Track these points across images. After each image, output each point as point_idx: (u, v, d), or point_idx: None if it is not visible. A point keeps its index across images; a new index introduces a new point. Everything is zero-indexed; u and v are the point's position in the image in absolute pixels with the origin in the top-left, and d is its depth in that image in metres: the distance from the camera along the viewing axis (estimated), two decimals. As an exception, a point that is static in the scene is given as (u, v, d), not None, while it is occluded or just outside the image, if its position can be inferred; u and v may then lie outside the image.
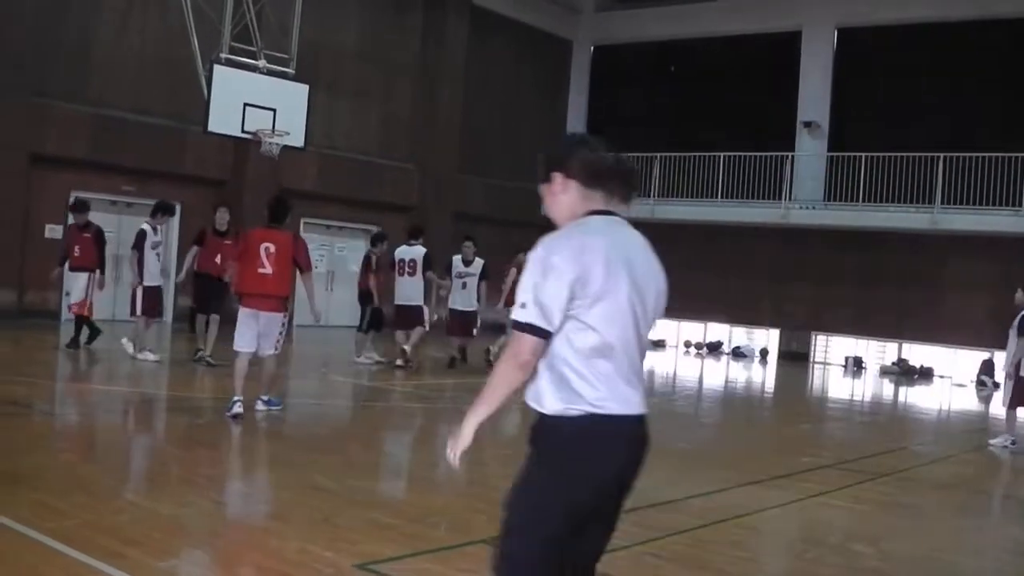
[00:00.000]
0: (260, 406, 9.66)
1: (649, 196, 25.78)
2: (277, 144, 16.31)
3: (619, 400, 3.05)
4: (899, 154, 22.49)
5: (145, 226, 13.24)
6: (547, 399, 3.04)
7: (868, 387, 20.57)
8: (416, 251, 14.83)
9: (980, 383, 21.31)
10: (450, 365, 15.37)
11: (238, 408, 9.24)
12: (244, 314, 9.51)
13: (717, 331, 26.25)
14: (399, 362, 14.69)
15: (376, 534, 5.66)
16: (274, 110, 16.11)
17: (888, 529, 6.96)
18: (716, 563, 5.72)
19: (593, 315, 3.01)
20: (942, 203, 21.94)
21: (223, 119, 15.70)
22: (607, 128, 28.36)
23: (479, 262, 15.34)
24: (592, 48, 29.32)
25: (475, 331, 15.67)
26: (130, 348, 13.19)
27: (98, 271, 13.73)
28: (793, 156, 24.68)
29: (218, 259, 13.13)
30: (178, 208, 17.94)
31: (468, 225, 20.51)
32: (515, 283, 17.22)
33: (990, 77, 23.16)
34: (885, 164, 22.77)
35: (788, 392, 19.34)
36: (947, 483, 9.30)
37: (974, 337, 21.98)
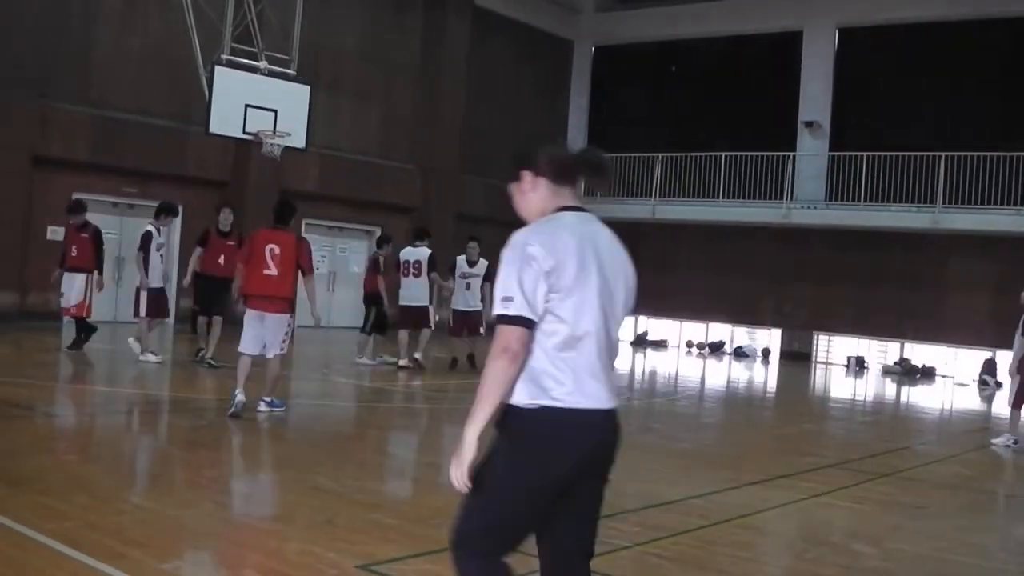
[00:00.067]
0: (262, 407, 9.66)
1: (650, 196, 25.79)
2: (279, 145, 16.32)
3: (585, 394, 3.09)
4: (900, 154, 22.49)
5: (150, 227, 13.22)
6: (515, 390, 3.07)
7: (870, 387, 20.55)
8: (421, 252, 14.90)
9: (982, 382, 21.29)
10: (452, 366, 15.39)
11: (240, 396, 9.31)
12: (249, 316, 9.58)
13: (719, 331, 26.24)
14: (401, 362, 14.76)
15: (378, 535, 5.66)
16: (275, 111, 16.13)
17: (890, 529, 6.95)
18: (718, 563, 5.71)
19: (565, 308, 3.05)
20: (943, 203, 21.93)
21: (224, 120, 15.72)
22: (608, 128, 28.42)
23: (483, 263, 15.36)
24: (593, 48, 29.34)
25: (482, 330, 15.67)
26: (137, 348, 13.18)
27: (96, 272, 13.67)
28: (794, 156, 24.67)
29: (221, 260, 13.13)
30: (180, 209, 17.95)
31: (469, 225, 20.50)
32: None
33: (991, 76, 23.16)
34: (886, 164, 22.76)
35: (790, 392, 19.33)
36: (949, 483, 9.29)
37: (976, 336, 21.98)
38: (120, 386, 11.97)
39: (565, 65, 29.28)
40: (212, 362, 12.86)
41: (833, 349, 24.89)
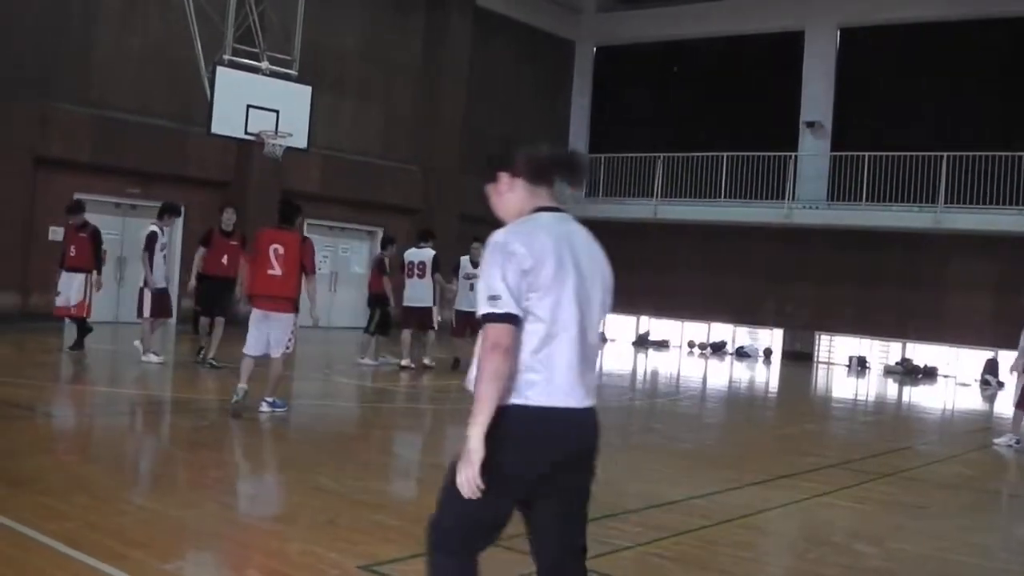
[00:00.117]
0: (264, 408, 9.66)
1: (652, 196, 25.80)
2: (280, 145, 16.33)
3: (561, 393, 3.11)
4: (902, 154, 22.49)
5: (154, 228, 13.21)
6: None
7: (872, 387, 20.55)
8: (425, 253, 14.95)
9: (984, 382, 21.28)
10: (454, 366, 15.38)
11: (242, 386, 9.40)
12: (254, 316, 9.65)
13: (720, 331, 26.23)
14: (403, 362, 14.79)
15: (380, 535, 5.66)
16: (277, 111, 16.14)
17: (892, 529, 6.95)
18: (720, 563, 5.71)
19: (542, 307, 3.08)
20: (945, 202, 21.92)
21: (226, 121, 15.73)
22: (610, 128, 28.47)
23: None
24: (594, 48, 29.34)
25: None
26: (142, 349, 13.18)
27: (95, 272, 13.67)
28: (796, 156, 24.67)
29: (224, 260, 13.14)
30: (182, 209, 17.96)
31: (470, 225, 20.46)
32: None
33: (993, 76, 23.15)
34: (888, 164, 22.75)
35: (792, 392, 19.33)
36: (951, 483, 9.28)
37: (977, 336, 21.97)
38: (121, 387, 11.97)
39: (567, 65, 29.28)
40: (214, 363, 12.86)
41: (835, 349, 24.87)
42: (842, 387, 20.21)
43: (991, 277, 22.14)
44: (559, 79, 28.93)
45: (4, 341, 14.56)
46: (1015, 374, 12.44)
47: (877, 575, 5.82)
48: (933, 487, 8.97)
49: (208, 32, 16.22)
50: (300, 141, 16.69)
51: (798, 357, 24.70)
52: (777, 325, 25.32)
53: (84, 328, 13.70)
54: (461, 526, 3.16)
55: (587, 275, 3.20)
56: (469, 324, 15.46)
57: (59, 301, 13.71)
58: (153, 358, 13.02)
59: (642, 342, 26.69)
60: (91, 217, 14.31)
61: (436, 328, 15.19)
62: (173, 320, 16.29)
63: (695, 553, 5.85)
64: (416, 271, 14.91)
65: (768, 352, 25.25)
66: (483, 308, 3.06)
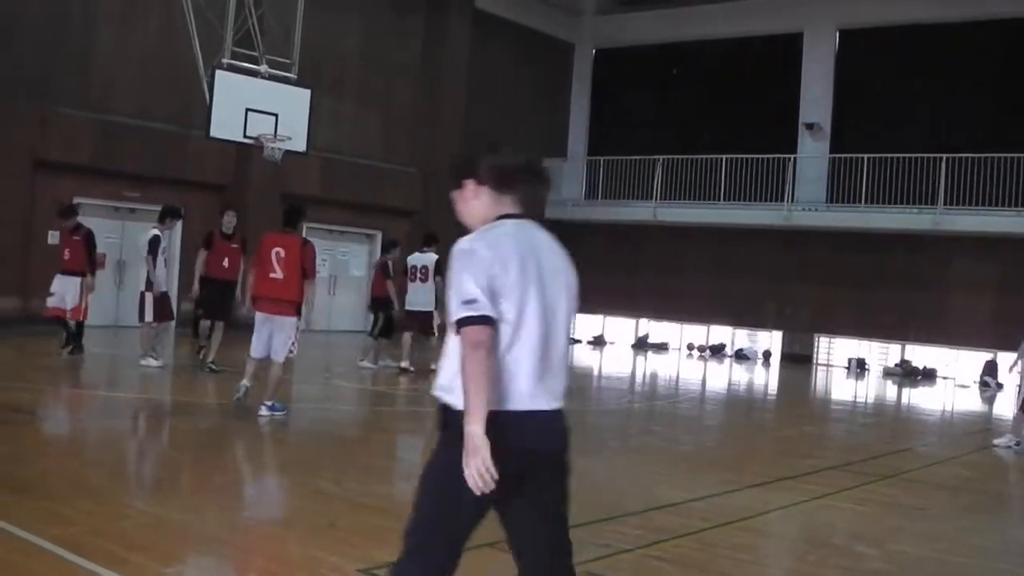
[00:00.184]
0: (264, 411, 9.67)
1: (651, 199, 25.81)
2: (279, 149, 16.34)
3: (525, 397, 3.14)
4: (901, 155, 22.49)
5: (156, 231, 13.21)
6: (457, 396, 3.10)
7: (871, 389, 20.56)
8: (428, 258, 14.98)
9: (983, 384, 21.29)
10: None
11: (244, 383, 9.55)
12: (257, 319, 9.76)
13: (720, 333, 26.22)
14: (403, 364, 14.81)
15: (380, 538, 5.66)
16: (276, 115, 16.15)
17: (892, 531, 6.96)
18: (720, 566, 5.72)
19: (507, 313, 3.11)
20: (944, 204, 21.93)
21: (225, 124, 15.74)
22: (609, 131, 28.48)
23: None
24: (594, 51, 29.36)
25: None
26: (154, 359, 13.13)
27: (88, 274, 13.67)
28: (795, 158, 24.68)
29: (225, 263, 13.15)
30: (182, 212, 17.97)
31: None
32: None
33: (992, 77, 23.17)
34: (887, 165, 22.77)
35: (791, 394, 19.34)
36: (951, 484, 9.30)
37: (977, 338, 21.97)
38: (122, 390, 11.98)
39: (566, 68, 29.31)
40: (213, 367, 12.85)
41: (834, 351, 24.87)
42: (841, 389, 20.22)
43: (991, 278, 22.15)
44: (558, 81, 28.95)
45: (5, 345, 14.58)
46: (1015, 373, 12.46)
47: (877, 577, 5.83)
48: (933, 489, 8.98)
49: (207, 35, 16.22)
50: (299, 144, 16.70)
51: (797, 359, 24.70)
52: (777, 327, 25.32)
53: (69, 333, 13.68)
54: (433, 533, 3.19)
55: (551, 280, 3.24)
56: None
57: (51, 302, 13.65)
58: (152, 362, 13.01)
59: (641, 344, 26.69)
60: (90, 221, 14.32)
61: (436, 334, 15.19)
62: (173, 323, 16.28)
63: (695, 555, 5.86)
64: (419, 275, 14.95)
65: (767, 354, 25.26)
66: (460, 312, 3.07)
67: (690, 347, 26.39)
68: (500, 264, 3.11)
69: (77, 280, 13.57)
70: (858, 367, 23.90)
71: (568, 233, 22.43)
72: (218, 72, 15.69)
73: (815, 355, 24.95)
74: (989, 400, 19.13)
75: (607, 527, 6.27)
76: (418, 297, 14.95)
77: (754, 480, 8.34)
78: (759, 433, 12.79)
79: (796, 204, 24.17)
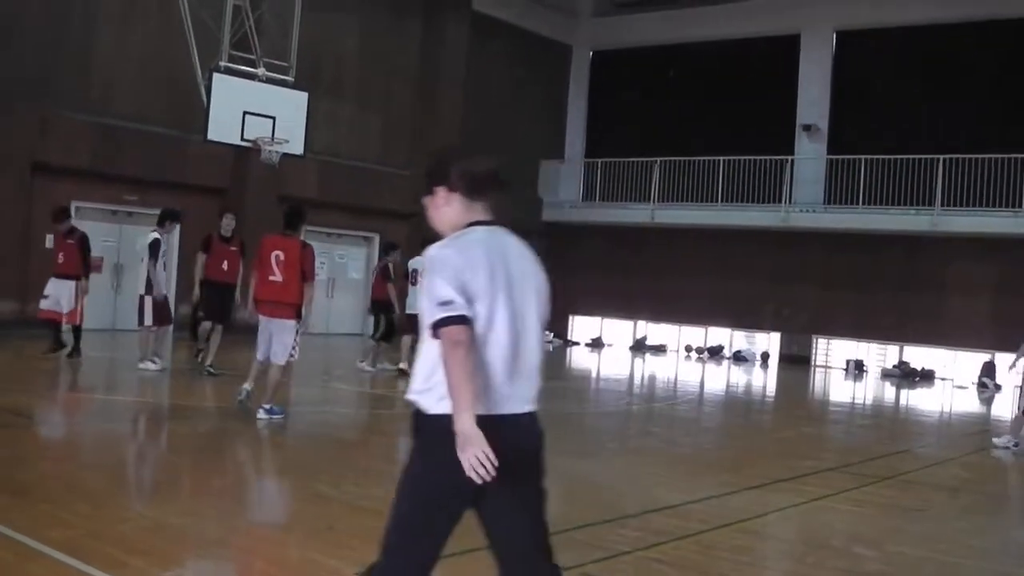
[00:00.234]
0: (262, 415, 9.67)
1: (649, 200, 25.83)
2: (277, 152, 16.34)
3: (494, 401, 3.18)
4: (899, 156, 22.52)
5: (156, 235, 13.20)
6: (430, 400, 3.18)
7: (869, 390, 20.57)
8: None
9: (981, 385, 21.30)
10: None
11: (246, 387, 9.66)
12: (260, 322, 9.81)
13: (718, 335, 26.23)
14: (402, 366, 14.83)
15: (379, 542, 5.65)
16: (273, 118, 16.16)
17: (891, 532, 6.96)
18: (719, 568, 5.72)
19: (478, 318, 3.16)
20: (942, 205, 21.95)
21: (223, 127, 15.75)
22: (606, 132, 28.48)
23: None
24: (591, 53, 29.38)
25: None
26: (157, 364, 13.11)
27: (83, 278, 13.66)
28: (793, 159, 24.70)
29: (225, 266, 13.16)
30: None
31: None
32: None
33: (989, 78, 23.18)
34: (885, 166, 22.79)
35: (789, 396, 19.34)
36: (950, 485, 9.30)
37: (976, 339, 21.98)
38: (120, 394, 11.97)
39: (563, 69, 29.32)
40: (211, 370, 12.83)
41: (832, 352, 24.89)
42: (839, 390, 20.23)
43: (989, 279, 22.15)
44: (556, 83, 28.96)
45: (2, 348, 14.56)
46: (1014, 373, 12.48)
47: (876, 579, 5.83)
48: (931, 490, 8.99)
49: (204, 38, 16.22)
50: (296, 147, 16.70)
51: (795, 361, 24.71)
52: (775, 329, 25.34)
53: (56, 337, 13.66)
54: (411, 535, 3.29)
55: (521, 286, 3.29)
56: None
57: (45, 304, 13.62)
58: (151, 365, 13.01)
59: (639, 346, 26.70)
60: (88, 224, 14.31)
61: None
62: (171, 327, 16.27)
63: (694, 558, 5.86)
64: (419, 278, 14.94)
65: (765, 356, 25.27)
66: (437, 314, 3.12)
67: (688, 349, 26.40)
68: (470, 269, 3.16)
69: (71, 284, 13.55)
70: (856, 368, 23.91)
71: (566, 235, 22.50)
72: (215, 75, 15.70)
73: (813, 356, 24.96)
74: (987, 401, 19.15)
75: (606, 529, 6.28)
76: (417, 300, 14.95)
77: (753, 482, 8.35)
78: (757, 435, 12.80)
79: (794, 205, 24.19)
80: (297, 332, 9.77)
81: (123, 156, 18.53)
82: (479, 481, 3.05)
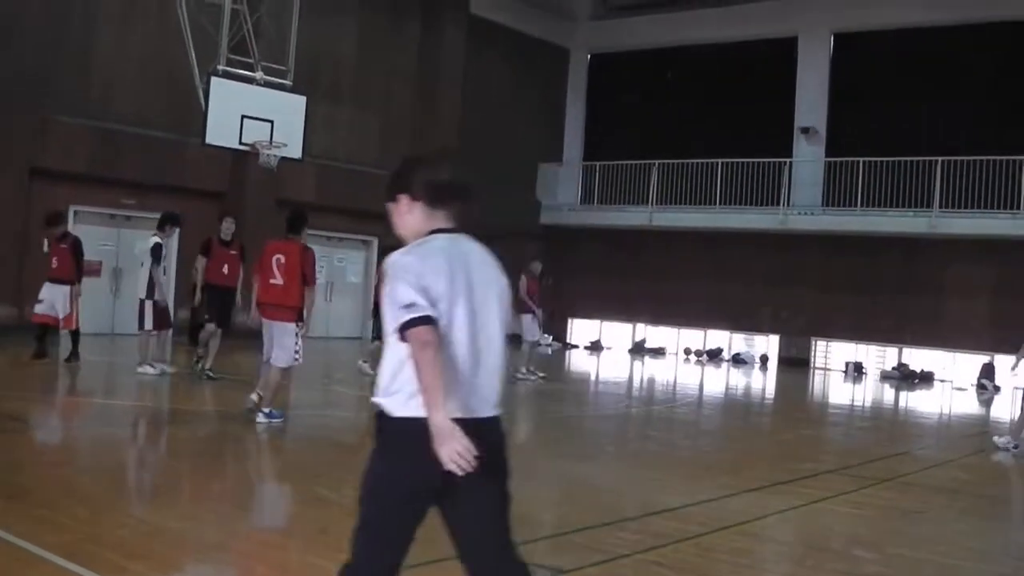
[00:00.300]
0: (261, 418, 9.67)
1: (647, 203, 25.83)
2: (275, 155, 16.33)
3: (455, 406, 3.19)
4: (896, 158, 22.53)
5: (157, 239, 13.19)
6: (395, 403, 3.23)
7: (868, 392, 20.57)
8: None
9: (980, 386, 21.31)
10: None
11: (254, 396, 9.69)
12: (263, 325, 9.83)
13: (717, 338, 26.23)
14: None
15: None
16: (271, 122, 16.15)
17: (890, 534, 6.96)
18: (718, 570, 5.72)
19: (439, 321, 3.19)
20: (940, 207, 21.96)
21: (221, 131, 15.74)
22: (604, 136, 28.51)
23: None
24: (589, 56, 29.40)
25: None
26: (159, 367, 13.11)
27: (76, 282, 13.65)
28: (791, 162, 24.72)
29: (225, 269, 13.16)
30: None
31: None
32: (528, 290, 17.22)
33: (986, 80, 23.20)
34: (883, 169, 22.80)
35: (788, 398, 19.34)
36: (949, 487, 9.30)
37: (975, 340, 21.99)
38: (119, 398, 11.96)
39: (561, 73, 29.34)
40: (210, 373, 12.83)
41: (831, 355, 24.89)
42: (838, 392, 20.23)
43: (988, 281, 22.16)
44: (554, 86, 28.98)
45: (0, 353, 14.54)
46: (1014, 374, 12.48)
47: (875, 581, 5.83)
48: (931, 492, 8.98)
49: (202, 42, 16.22)
50: (295, 151, 16.69)
51: (794, 363, 24.70)
52: (773, 331, 25.34)
53: (75, 339, 13.67)
54: (376, 535, 3.32)
55: (482, 292, 3.33)
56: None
57: (39, 308, 13.59)
58: (150, 370, 12.99)
59: (638, 349, 26.70)
60: (86, 228, 14.30)
61: None
62: (171, 331, 16.27)
63: (693, 560, 5.86)
64: None
65: (764, 358, 25.28)
66: (402, 317, 3.15)
67: (687, 351, 26.40)
68: (432, 274, 3.21)
69: (66, 288, 13.52)
70: (855, 370, 23.92)
71: (564, 238, 22.56)
72: (213, 79, 15.70)
73: (812, 359, 24.96)
74: (986, 403, 19.15)
75: (605, 532, 6.27)
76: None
77: (752, 484, 8.34)
78: (757, 437, 12.80)
79: (792, 208, 24.20)
80: (298, 335, 9.78)
81: (122, 160, 18.52)
82: (461, 473, 3.08)
